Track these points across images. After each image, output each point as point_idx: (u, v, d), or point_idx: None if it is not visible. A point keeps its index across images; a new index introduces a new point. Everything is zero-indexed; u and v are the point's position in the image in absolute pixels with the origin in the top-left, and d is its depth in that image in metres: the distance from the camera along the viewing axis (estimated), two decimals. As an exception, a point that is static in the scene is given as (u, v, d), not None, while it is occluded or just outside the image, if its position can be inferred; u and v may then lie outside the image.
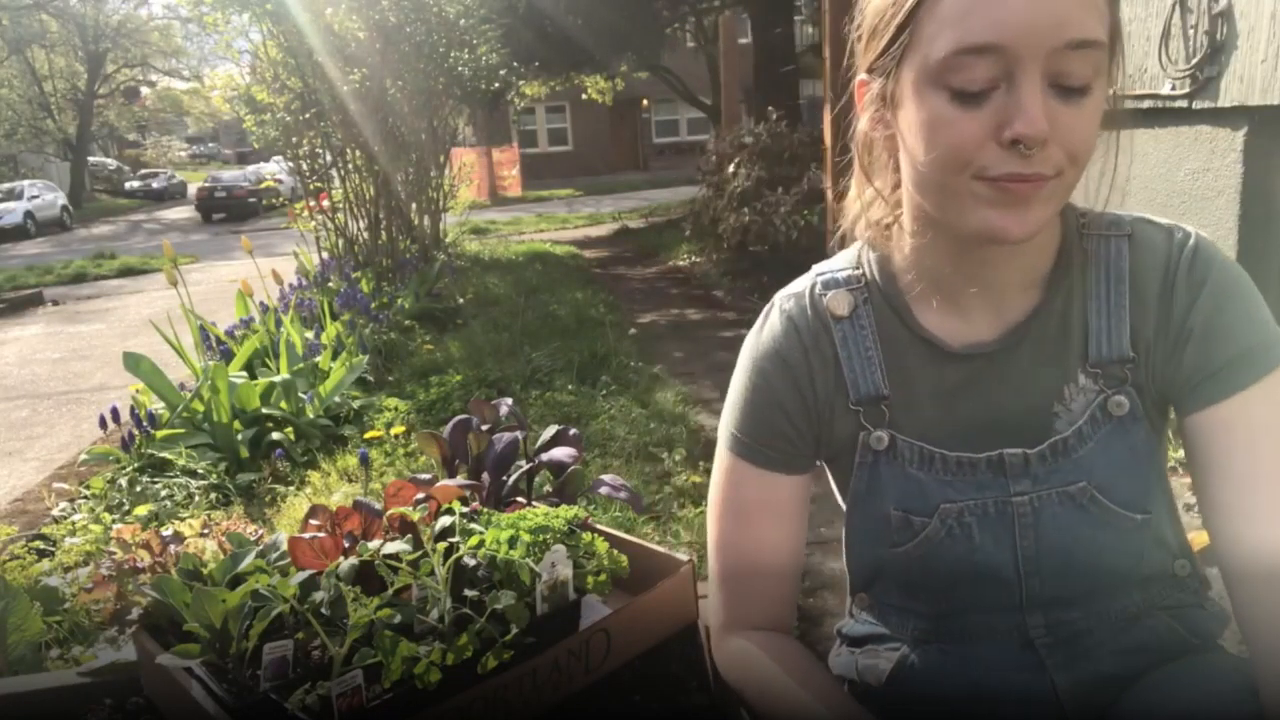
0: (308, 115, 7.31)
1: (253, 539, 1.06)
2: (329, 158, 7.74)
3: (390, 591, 0.86)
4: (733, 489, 0.91)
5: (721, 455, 0.93)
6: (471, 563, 0.92)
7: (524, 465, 1.29)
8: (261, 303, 5.54)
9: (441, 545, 0.90)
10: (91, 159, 34.88)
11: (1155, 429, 0.84)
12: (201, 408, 3.94)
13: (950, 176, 0.74)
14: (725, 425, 0.92)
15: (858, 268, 0.89)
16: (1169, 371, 0.81)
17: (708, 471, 3.55)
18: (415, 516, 0.96)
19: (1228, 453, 0.76)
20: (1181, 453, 0.82)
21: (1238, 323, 0.78)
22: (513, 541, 0.92)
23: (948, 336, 0.85)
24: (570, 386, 4.56)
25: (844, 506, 0.93)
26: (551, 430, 1.33)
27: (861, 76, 0.82)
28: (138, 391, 4.22)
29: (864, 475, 0.88)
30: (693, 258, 9.21)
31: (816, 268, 0.92)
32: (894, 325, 0.86)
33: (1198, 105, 2.82)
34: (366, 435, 3.93)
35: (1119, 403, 0.82)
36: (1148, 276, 0.81)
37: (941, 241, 0.82)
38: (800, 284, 0.91)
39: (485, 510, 1.01)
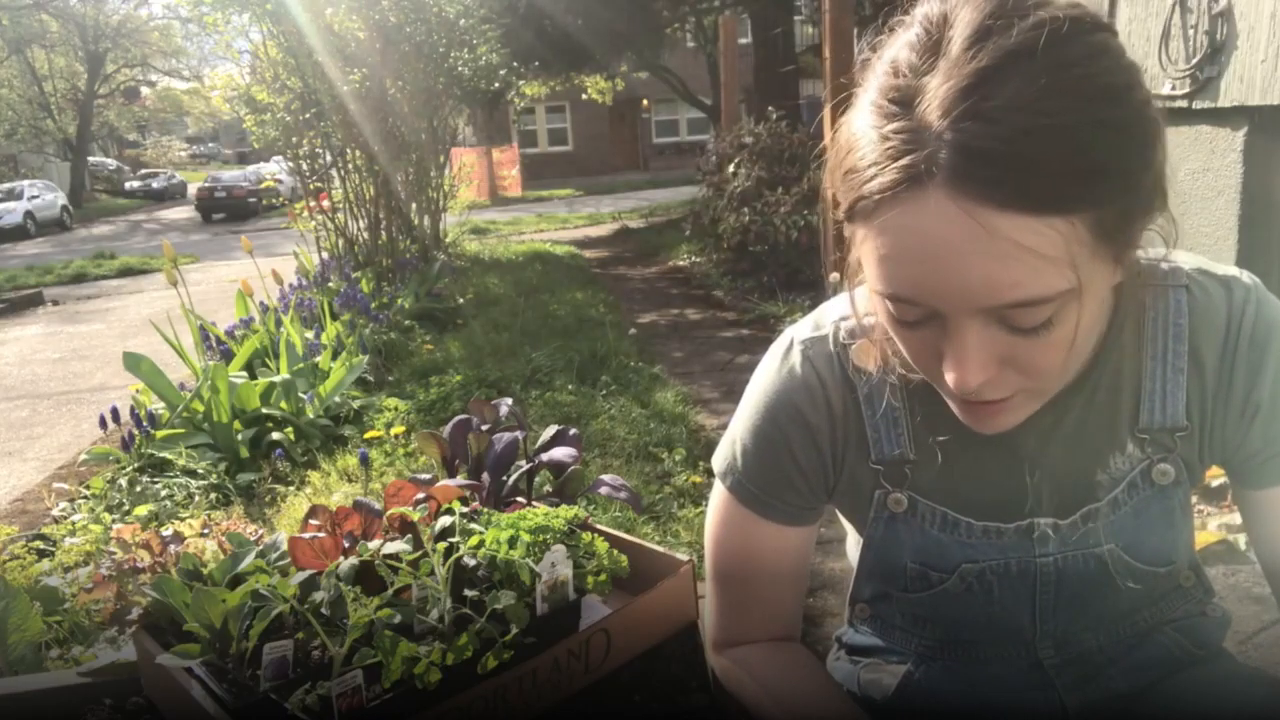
0: (308, 115, 7.31)
1: (253, 539, 1.06)
2: (329, 158, 7.74)
3: (390, 591, 0.86)
4: (736, 533, 0.87)
5: (724, 497, 0.87)
6: (471, 563, 0.92)
7: (524, 465, 1.29)
8: (261, 303, 5.54)
9: (441, 545, 0.90)
10: (91, 159, 34.89)
11: (1193, 486, 0.80)
12: (201, 408, 3.94)
13: (917, 366, 0.71)
14: (730, 466, 0.86)
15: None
16: (1232, 443, 0.76)
17: (708, 471, 3.53)
18: (415, 516, 0.96)
19: None
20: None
21: None
22: (513, 541, 0.92)
23: None
24: (570, 386, 4.56)
25: (854, 541, 0.90)
26: (551, 430, 1.33)
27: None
28: (138, 391, 4.22)
29: (880, 528, 0.83)
30: (693, 258, 9.20)
31: (835, 309, 0.84)
32: (923, 383, 0.77)
33: (1198, 105, 2.81)
34: (366, 435, 3.93)
35: (1164, 471, 0.76)
36: (1207, 338, 0.74)
37: None
38: (822, 325, 0.83)
39: (485, 510, 1.01)
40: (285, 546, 0.98)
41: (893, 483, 0.81)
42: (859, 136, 0.63)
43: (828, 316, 0.84)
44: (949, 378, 0.64)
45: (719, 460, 0.88)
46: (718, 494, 0.88)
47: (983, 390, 0.64)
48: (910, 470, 0.81)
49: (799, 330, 0.84)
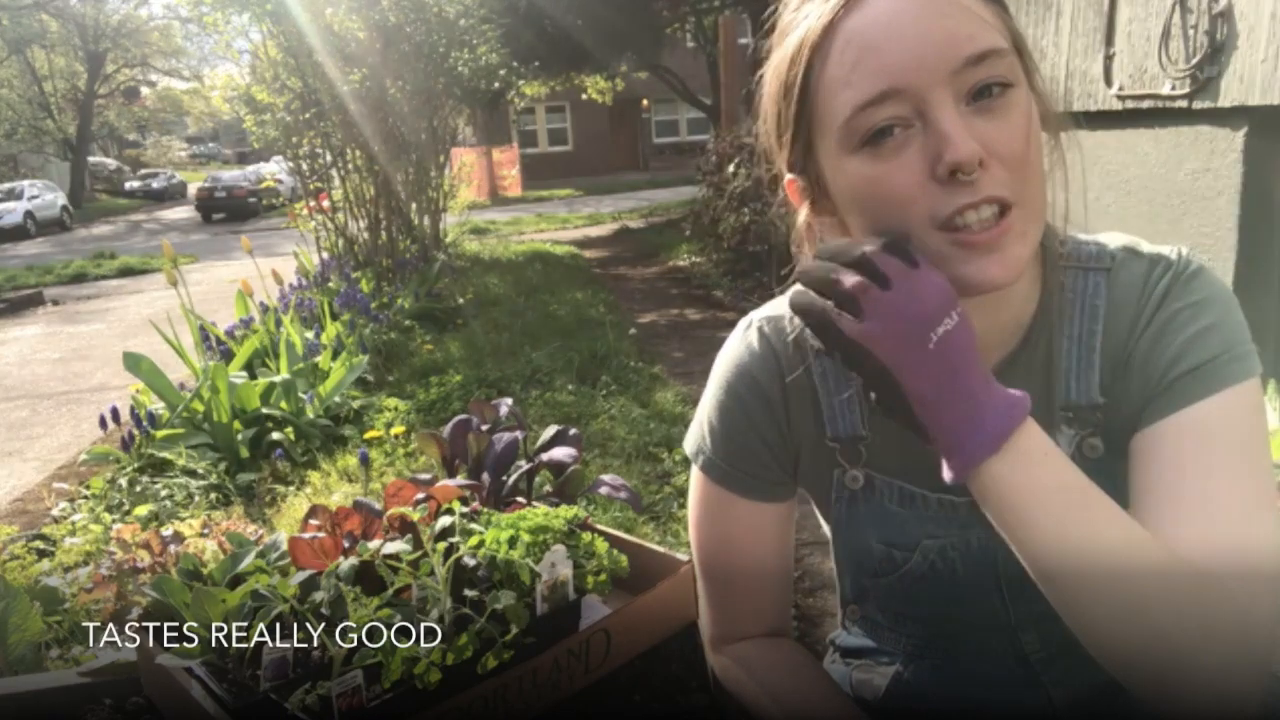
0: (308, 115, 7.31)
1: (253, 539, 1.06)
2: (329, 158, 7.75)
3: (390, 591, 0.86)
4: (713, 515, 0.89)
5: (699, 480, 0.89)
6: (471, 563, 0.92)
7: (524, 465, 1.29)
8: (261, 303, 5.54)
9: (441, 545, 0.90)
10: (91, 159, 34.88)
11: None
12: (201, 408, 3.94)
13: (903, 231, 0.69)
14: (700, 446, 0.88)
15: None
16: (1134, 411, 0.75)
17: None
18: (415, 516, 0.96)
19: (1160, 473, 0.70)
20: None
21: (1190, 342, 0.72)
22: (513, 541, 0.92)
23: None
24: (570, 386, 4.56)
25: (827, 531, 0.91)
26: (551, 430, 1.33)
27: (788, 177, 0.79)
28: (138, 391, 4.22)
29: (842, 509, 0.85)
30: (693, 258, 9.21)
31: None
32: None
33: (1198, 105, 2.81)
34: (366, 435, 3.93)
35: (1093, 445, 0.78)
36: (1121, 317, 0.76)
37: None
38: (780, 307, 0.87)
39: (485, 510, 1.01)
40: (285, 546, 0.98)
41: (849, 460, 0.84)
42: (781, 40, 0.73)
43: (783, 301, 0.87)
44: (946, 157, 0.64)
45: (689, 442, 0.91)
46: (694, 479, 0.91)
47: (979, 180, 0.65)
48: (865, 448, 0.83)
49: (758, 311, 0.89)
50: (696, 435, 0.89)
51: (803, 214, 0.80)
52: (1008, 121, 0.66)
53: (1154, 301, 0.75)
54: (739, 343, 0.87)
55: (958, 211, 0.66)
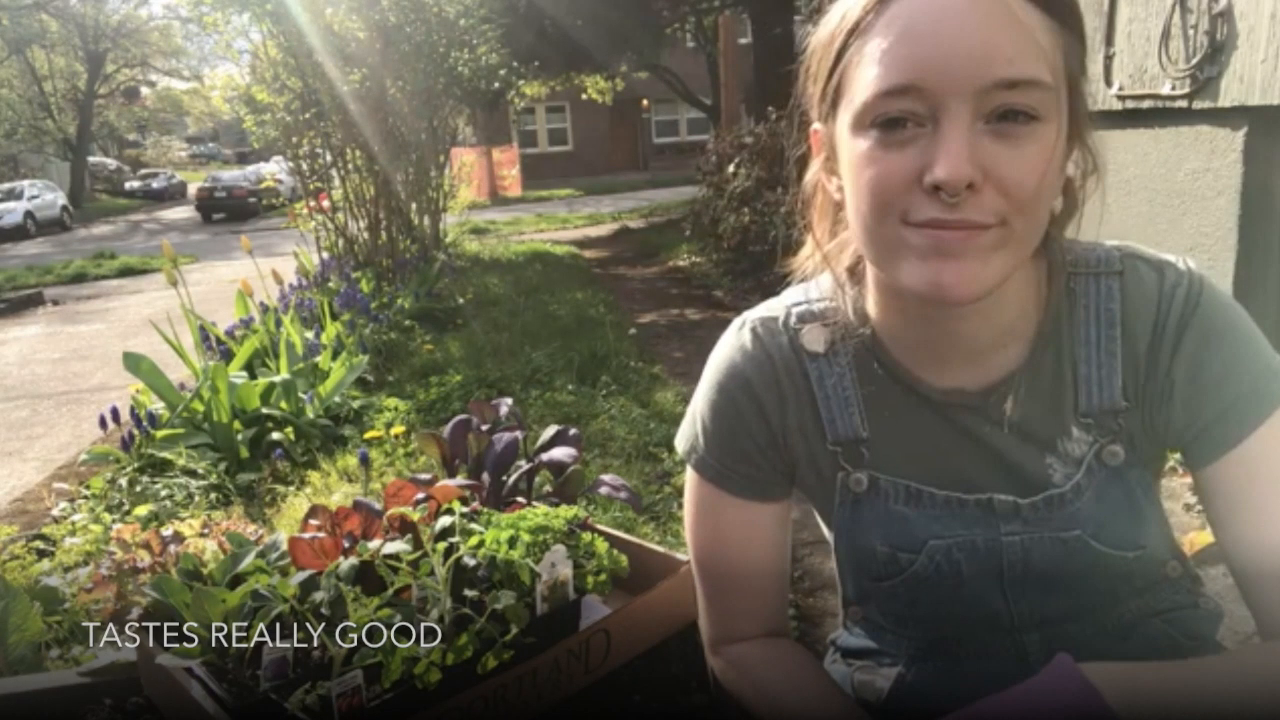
0: (308, 115, 7.31)
1: (253, 539, 1.06)
2: (329, 158, 7.74)
3: (390, 591, 0.86)
4: (708, 514, 0.88)
5: (693, 479, 0.89)
6: (471, 563, 0.92)
7: (524, 465, 1.29)
8: (261, 303, 5.54)
9: (441, 545, 0.90)
10: (91, 159, 34.85)
11: (1151, 469, 0.81)
12: (201, 408, 3.94)
13: (877, 222, 0.69)
14: (692, 445, 0.88)
15: (834, 301, 0.84)
16: (1160, 424, 0.78)
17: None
18: (415, 516, 0.96)
19: (1246, 499, 0.74)
20: (1178, 455, 0.81)
21: (1228, 367, 0.74)
22: (513, 541, 0.92)
23: (931, 380, 0.80)
24: (570, 386, 4.56)
25: (828, 535, 0.91)
26: (551, 430, 1.34)
27: (815, 126, 0.79)
28: (138, 391, 4.22)
29: (846, 512, 0.84)
30: (693, 258, 9.21)
31: (789, 295, 0.88)
32: (872, 366, 0.82)
33: (1198, 105, 2.81)
34: (366, 435, 3.92)
35: (1114, 452, 0.78)
36: (1138, 321, 0.77)
37: (905, 302, 0.78)
38: (774, 309, 0.87)
39: (485, 510, 1.01)
40: (285, 546, 0.98)
41: (851, 463, 0.83)
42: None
43: (781, 301, 0.87)
44: (936, 171, 0.64)
45: (682, 441, 0.90)
46: (688, 477, 0.90)
47: (963, 202, 0.64)
48: (866, 450, 0.83)
49: (753, 311, 0.88)
50: (689, 434, 0.89)
51: (814, 167, 0.81)
52: (1022, 153, 0.65)
53: (1175, 312, 0.75)
54: (732, 342, 0.87)
55: (928, 223, 0.66)
